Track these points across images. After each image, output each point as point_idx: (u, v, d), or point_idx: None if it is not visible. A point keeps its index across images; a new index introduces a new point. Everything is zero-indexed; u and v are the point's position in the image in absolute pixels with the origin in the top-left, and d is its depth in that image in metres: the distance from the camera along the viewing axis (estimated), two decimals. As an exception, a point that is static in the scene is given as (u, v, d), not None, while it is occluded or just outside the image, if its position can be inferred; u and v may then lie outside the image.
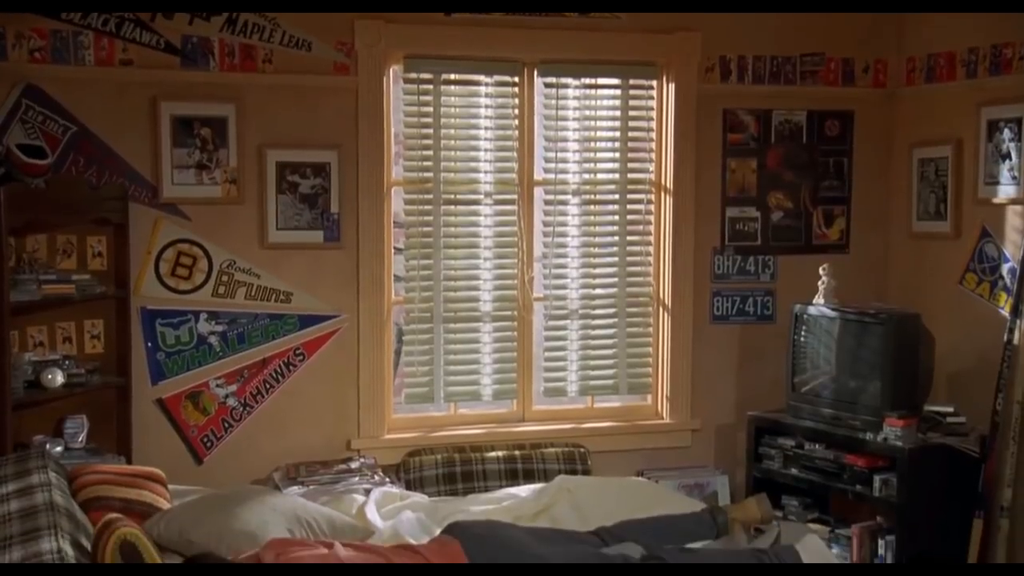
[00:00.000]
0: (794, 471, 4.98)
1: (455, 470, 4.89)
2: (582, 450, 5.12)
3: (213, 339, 4.67)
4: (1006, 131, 4.77)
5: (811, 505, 5.06)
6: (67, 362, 4.23)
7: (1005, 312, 4.71)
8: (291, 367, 4.82)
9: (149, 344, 4.58)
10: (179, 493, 4.02)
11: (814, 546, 3.71)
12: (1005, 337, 4.61)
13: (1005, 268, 4.81)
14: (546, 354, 5.28)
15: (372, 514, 4.07)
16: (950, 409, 4.76)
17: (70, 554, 2.86)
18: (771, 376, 5.28)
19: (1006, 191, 4.80)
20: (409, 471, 4.84)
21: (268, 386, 4.78)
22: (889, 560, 4.63)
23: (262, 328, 4.75)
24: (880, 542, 4.70)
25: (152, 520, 3.69)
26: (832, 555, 3.98)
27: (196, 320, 4.64)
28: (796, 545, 3.67)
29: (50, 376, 4.14)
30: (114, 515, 3.15)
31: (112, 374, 4.44)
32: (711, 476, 5.34)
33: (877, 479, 4.62)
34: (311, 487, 4.44)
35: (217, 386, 4.70)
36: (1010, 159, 4.75)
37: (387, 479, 4.65)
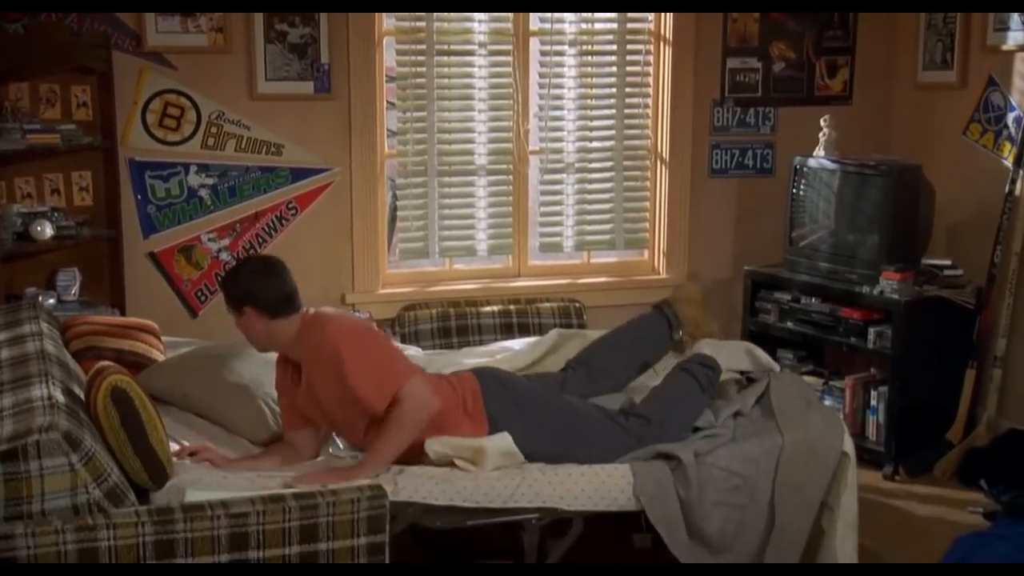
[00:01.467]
0: (789, 324, 4.98)
1: (450, 324, 4.89)
2: (577, 305, 5.11)
3: (204, 192, 4.62)
4: (1020, -26, 4.61)
5: (806, 358, 5.08)
6: (56, 214, 4.19)
7: (1008, 163, 4.64)
8: (284, 221, 4.77)
9: (139, 197, 4.52)
10: (173, 345, 4.03)
11: (786, 378, 3.76)
12: (1007, 188, 4.55)
13: (1011, 117, 4.71)
14: (542, 208, 5.23)
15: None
16: (948, 262, 4.73)
17: (61, 400, 2.86)
18: (769, 230, 5.24)
19: (1015, 37, 4.66)
20: (404, 325, 4.84)
21: (261, 240, 4.75)
22: (881, 411, 4.66)
23: (253, 181, 4.69)
24: (873, 393, 4.73)
25: (147, 371, 3.70)
26: (803, 383, 3.99)
27: (186, 173, 4.58)
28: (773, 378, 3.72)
29: (39, 228, 4.10)
30: (106, 363, 3.14)
31: (102, 227, 4.40)
32: (707, 330, 5.34)
33: (872, 331, 4.62)
34: (306, 340, 4.44)
35: (209, 240, 4.67)
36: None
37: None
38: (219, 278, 3.34)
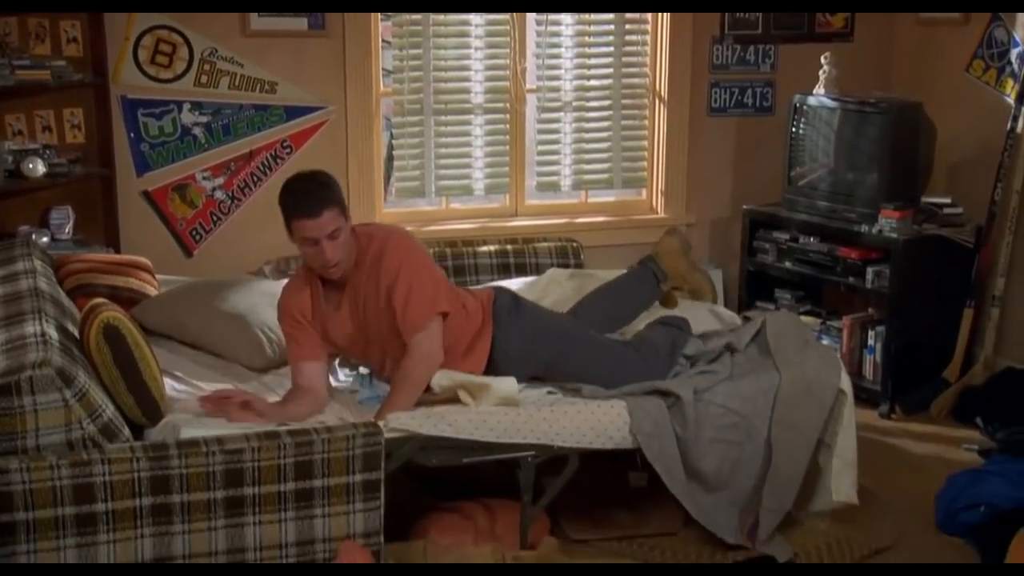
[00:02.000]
0: (788, 264, 4.96)
1: (446, 264, 4.85)
2: (575, 244, 5.07)
3: (197, 130, 4.57)
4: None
5: (803, 298, 5.06)
6: (48, 151, 4.14)
7: (1010, 99, 4.58)
8: (279, 160, 4.73)
9: (132, 135, 4.47)
10: (167, 282, 4.01)
11: (782, 316, 3.76)
12: (1008, 125, 4.50)
13: (1014, 53, 4.64)
14: (539, 147, 5.19)
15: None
16: (947, 200, 4.70)
17: (54, 337, 2.86)
18: (768, 170, 5.19)
19: (1019, -29, 4.59)
20: (401, 264, 4.81)
21: (256, 179, 4.71)
22: (878, 350, 4.65)
23: (247, 119, 4.63)
24: (870, 333, 4.72)
25: (141, 306, 3.69)
26: (800, 322, 3.97)
27: (179, 110, 4.52)
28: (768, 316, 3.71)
29: (31, 165, 4.05)
30: (99, 300, 3.13)
31: (95, 165, 4.35)
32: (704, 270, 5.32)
33: (870, 271, 4.60)
34: (302, 279, 4.42)
35: (204, 179, 4.63)
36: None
37: (378, 272, 4.63)
38: (315, 190, 3.11)
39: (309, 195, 3.10)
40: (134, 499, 2.66)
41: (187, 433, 2.86)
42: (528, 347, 3.37)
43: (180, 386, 3.29)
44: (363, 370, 3.44)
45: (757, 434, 3.34)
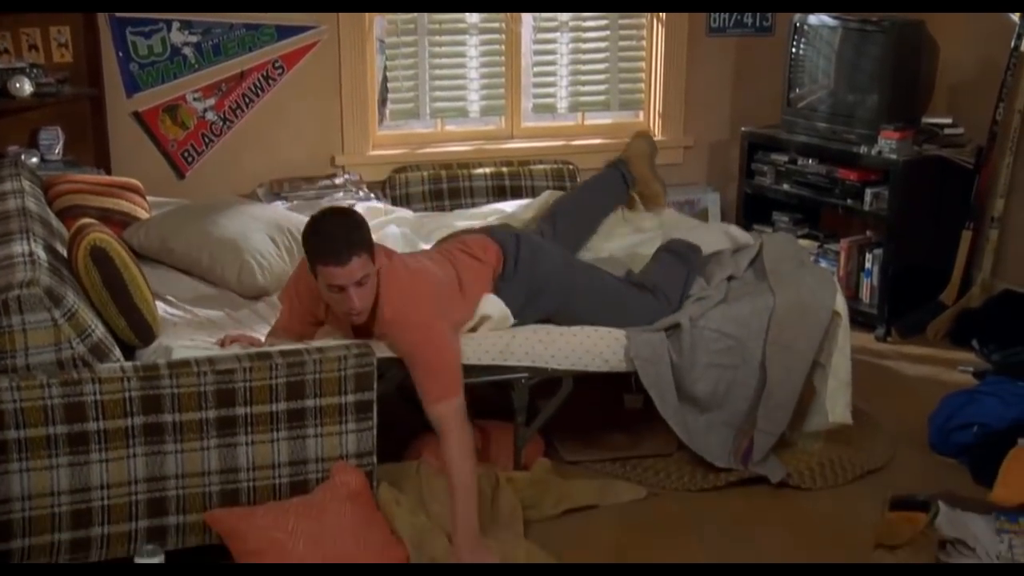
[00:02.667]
0: (786, 187, 4.91)
1: (441, 187, 4.82)
2: (571, 167, 5.04)
3: (187, 50, 4.49)
4: None
5: (801, 221, 5.02)
6: (35, 71, 4.07)
7: (1015, 18, 4.49)
8: (270, 81, 4.65)
9: (120, 54, 4.40)
10: (158, 204, 3.98)
11: (778, 238, 3.73)
12: (1013, 43, 4.42)
13: (1018, -30, 4.55)
14: (535, 68, 5.11)
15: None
16: (948, 121, 4.63)
17: (42, 257, 2.83)
18: (767, 91, 5.11)
19: None
20: (395, 187, 4.78)
21: (248, 100, 4.64)
22: (876, 273, 4.63)
23: (238, 39, 4.55)
24: (868, 256, 4.70)
25: (132, 228, 3.66)
26: (796, 243, 3.91)
27: (168, 29, 4.44)
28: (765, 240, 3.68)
29: (18, 84, 3.99)
30: (87, 221, 3.09)
31: (83, 85, 4.29)
32: (702, 193, 5.29)
33: (869, 192, 4.56)
34: (295, 202, 4.39)
35: (195, 99, 4.56)
36: None
37: (372, 195, 4.60)
38: (344, 234, 2.84)
39: (337, 240, 2.83)
40: (126, 418, 2.65)
41: (179, 354, 2.84)
42: (529, 303, 3.26)
43: (173, 310, 3.27)
44: None
45: (752, 357, 3.33)
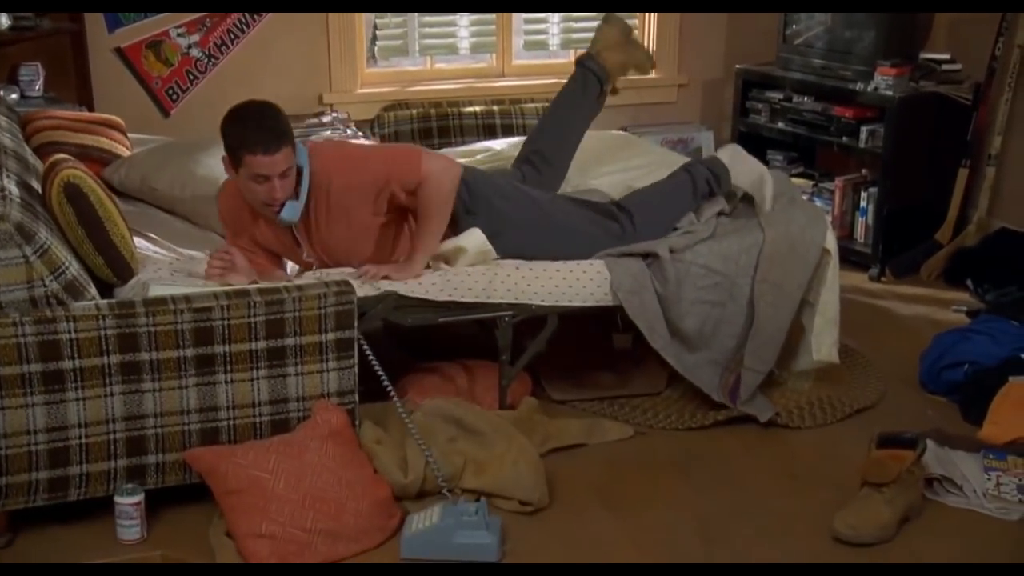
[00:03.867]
0: (780, 125, 4.83)
1: (431, 125, 4.75)
2: (563, 105, 4.95)
3: (170, -16, 4.40)
4: None
5: (796, 159, 4.96)
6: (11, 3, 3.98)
7: (1015, -50, 4.39)
8: (256, 16, 4.56)
9: (101, -12, 4.31)
10: (140, 142, 3.91)
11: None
12: (1013, -24, 4.32)
13: (1020, -99, 4.43)
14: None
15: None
16: (946, 56, 4.54)
17: (14, 193, 2.77)
18: (763, 27, 5.01)
19: None
20: (384, 126, 4.70)
21: (233, 36, 4.55)
22: (871, 212, 4.57)
23: (222, -27, 4.46)
24: (863, 195, 4.63)
25: (113, 166, 3.60)
26: (787, 180, 3.85)
27: (150, -38, 4.35)
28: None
29: (-6, 18, 3.91)
30: (60, 156, 3.03)
31: (63, 20, 4.19)
32: (696, 132, 5.21)
33: (864, 130, 4.49)
34: (281, 140, 4.31)
35: (178, 35, 4.47)
36: None
37: (360, 133, 4.53)
38: (272, 124, 2.87)
39: (266, 129, 2.84)
40: (101, 357, 2.62)
41: (156, 291, 2.80)
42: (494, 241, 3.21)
43: (155, 247, 3.22)
44: None
45: (740, 293, 3.29)
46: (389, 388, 2.91)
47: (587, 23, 5.05)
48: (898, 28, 4.45)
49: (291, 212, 2.97)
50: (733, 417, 3.30)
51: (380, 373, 2.89)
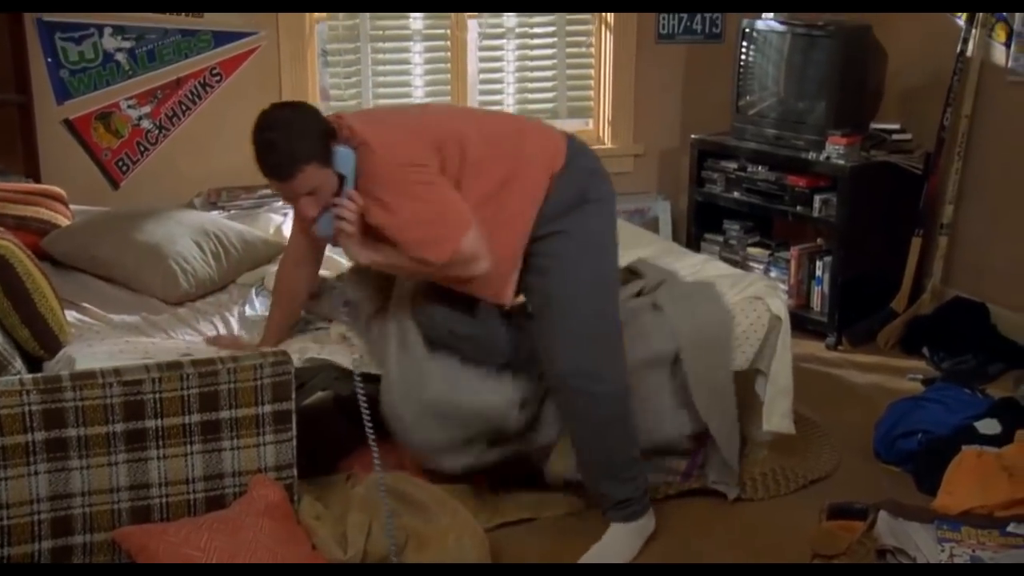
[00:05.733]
0: (736, 194, 4.84)
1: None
2: (519, 175, 4.93)
3: (120, 56, 4.37)
4: None
5: (752, 229, 4.95)
6: (-43, 77, 3.96)
7: (960, 22, 4.44)
8: (208, 88, 4.54)
9: (50, 60, 4.27)
10: (82, 212, 3.85)
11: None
12: (958, 47, 4.37)
13: (964, -26, 4.50)
14: (481, 76, 5.02)
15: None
16: (897, 126, 4.57)
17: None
18: (717, 99, 5.05)
19: None
20: (338, 196, 4.66)
21: (184, 108, 4.53)
22: (826, 280, 4.56)
23: (173, 45, 4.44)
24: (819, 263, 4.63)
25: (52, 235, 3.55)
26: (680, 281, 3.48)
27: (100, 35, 4.32)
28: None
29: (-62, 91, 3.87)
30: (-6, 229, 2.97)
31: (11, 91, 4.16)
32: (652, 202, 5.21)
33: (817, 199, 4.50)
34: (232, 211, 4.28)
35: (129, 107, 4.44)
36: None
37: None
38: (285, 143, 2.63)
39: (276, 154, 2.61)
40: (25, 434, 2.52)
41: (83, 364, 2.72)
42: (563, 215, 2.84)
43: (85, 317, 3.14)
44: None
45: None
46: (375, 449, 2.80)
47: (541, 94, 5.08)
48: (848, 98, 4.48)
49: (325, 227, 2.76)
50: (684, 491, 3.23)
51: (369, 426, 2.78)
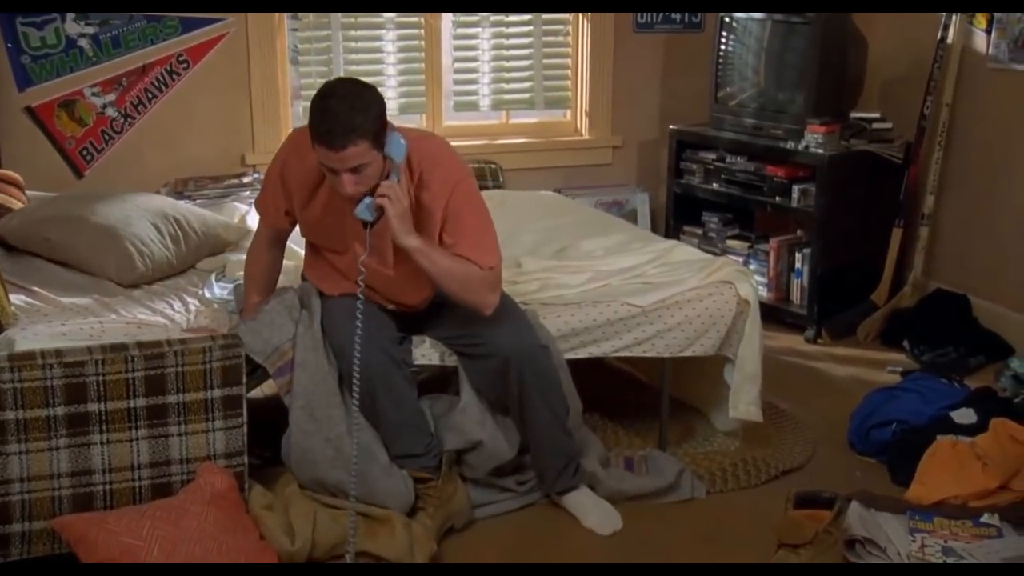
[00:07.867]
0: (715, 185, 4.75)
1: (358, 186, 4.62)
2: (493, 167, 4.86)
3: (84, 42, 4.28)
4: None
5: (731, 221, 4.86)
6: (-87, 61, 3.86)
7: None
8: (175, 75, 4.45)
9: (10, 46, 4.17)
10: (39, 198, 3.76)
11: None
12: (939, 35, 4.29)
13: (945, -40, 4.43)
14: (456, 65, 4.93)
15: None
16: (877, 115, 4.49)
17: None
18: (697, 89, 4.96)
19: None
20: (308, 187, 4.57)
21: (150, 95, 4.43)
22: (805, 273, 4.47)
23: (139, 31, 4.35)
24: (798, 255, 4.54)
25: (5, 218, 3.45)
26: None
27: (62, 20, 4.23)
28: None
29: None
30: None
31: (-30, 78, 4.08)
32: (631, 194, 5.13)
33: (796, 189, 4.41)
34: (197, 201, 4.18)
35: (93, 94, 4.35)
36: None
37: (281, 193, 4.39)
38: (348, 114, 2.54)
39: (337, 121, 2.54)
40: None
41: (24, 346, 2.63)
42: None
43: (34, 300, 3.04)
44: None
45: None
46: None
47: (518, 84, 5.00)
48: (827, 87, 4.40)
49: (363, 211, 2.68)
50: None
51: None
